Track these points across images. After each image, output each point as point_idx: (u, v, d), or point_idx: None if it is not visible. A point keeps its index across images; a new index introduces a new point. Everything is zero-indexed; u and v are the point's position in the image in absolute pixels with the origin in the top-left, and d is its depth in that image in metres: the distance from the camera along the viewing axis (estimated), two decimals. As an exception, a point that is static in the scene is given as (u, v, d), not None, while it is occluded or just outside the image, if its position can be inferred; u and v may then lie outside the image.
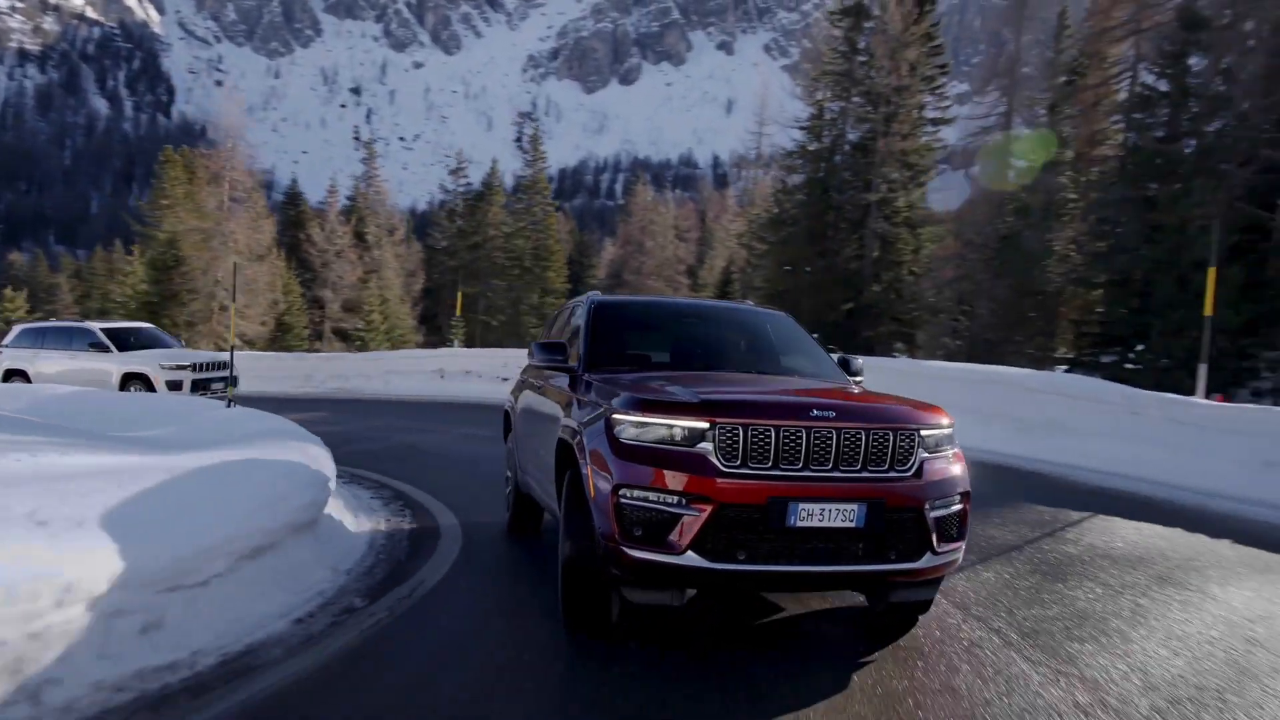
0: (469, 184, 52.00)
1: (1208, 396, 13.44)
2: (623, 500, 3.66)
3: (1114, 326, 23.22)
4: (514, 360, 18.33)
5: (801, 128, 33.14)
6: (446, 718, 3.35)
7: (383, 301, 46.83)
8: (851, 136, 32.11)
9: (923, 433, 3.89)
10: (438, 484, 8.29)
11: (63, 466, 4.66)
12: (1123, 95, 27.83)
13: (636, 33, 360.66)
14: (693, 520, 3.55)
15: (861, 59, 31.75)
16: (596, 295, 5.68)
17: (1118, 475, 9.84)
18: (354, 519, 6.49)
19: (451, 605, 4.74)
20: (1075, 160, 27.75)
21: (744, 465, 3.64)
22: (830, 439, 3.69)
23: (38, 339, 15.42)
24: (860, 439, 3.73)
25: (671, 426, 3.70)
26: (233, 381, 15.05)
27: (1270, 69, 20.94)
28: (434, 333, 47.64)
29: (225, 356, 15.57)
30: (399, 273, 50.75)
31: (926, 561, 3.80)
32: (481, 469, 9.27)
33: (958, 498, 3.94)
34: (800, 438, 3.67)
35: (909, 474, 3.81)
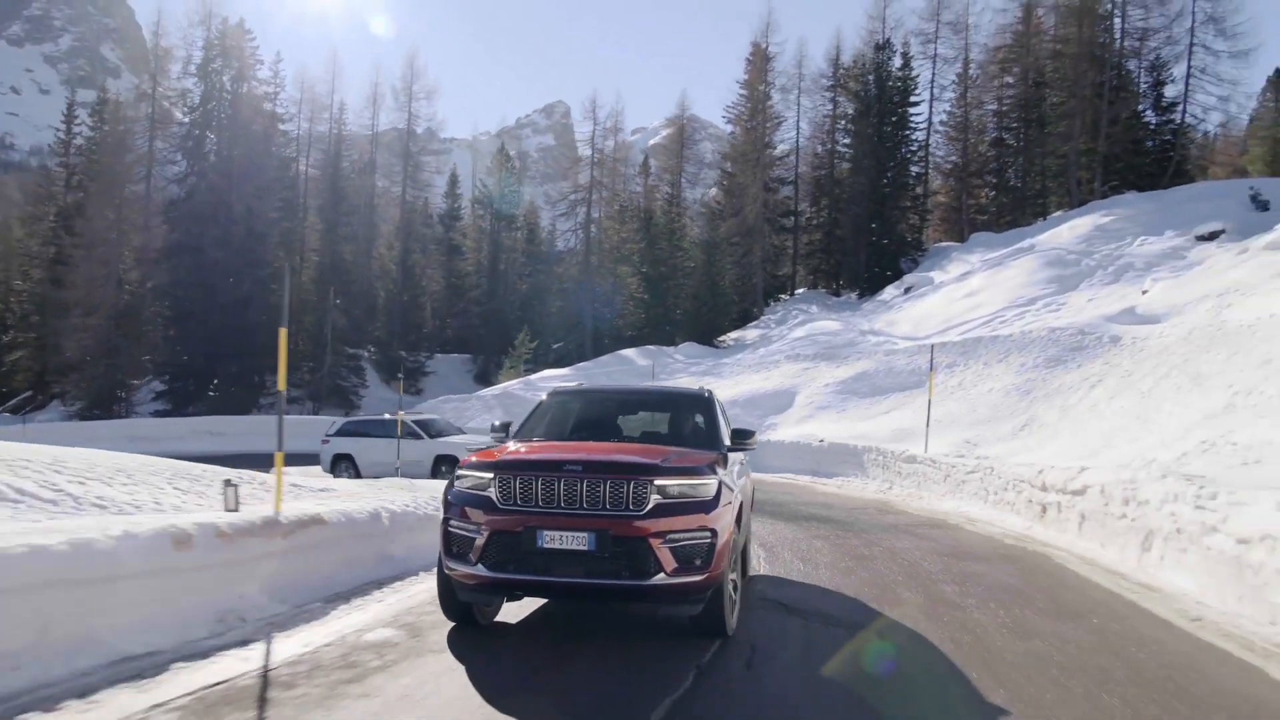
0: None
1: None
2: (449, 528, 5.30)
3: (192, 364, 32.99)
4: None
5: None
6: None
7: None
8: None
9: (657, 482, 5.08)
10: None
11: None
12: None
13: None
14: (480, 541, 5.09)
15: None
16: (559, 387, 7.20)
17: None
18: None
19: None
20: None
21: (512, 505, 5.11)
22: (577, 486, 5.05)
23: (359, 429, 19.80)
24: (600, 487, 5.04)
25: (477, 478, 5.28)
26: None
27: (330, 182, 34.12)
28: None
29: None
30: None
31: (659, 581, 4.94)
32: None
33: (704, 534, 5.07)
34: (554, 486, 5.08)
35: (641, 513, 4.99)
